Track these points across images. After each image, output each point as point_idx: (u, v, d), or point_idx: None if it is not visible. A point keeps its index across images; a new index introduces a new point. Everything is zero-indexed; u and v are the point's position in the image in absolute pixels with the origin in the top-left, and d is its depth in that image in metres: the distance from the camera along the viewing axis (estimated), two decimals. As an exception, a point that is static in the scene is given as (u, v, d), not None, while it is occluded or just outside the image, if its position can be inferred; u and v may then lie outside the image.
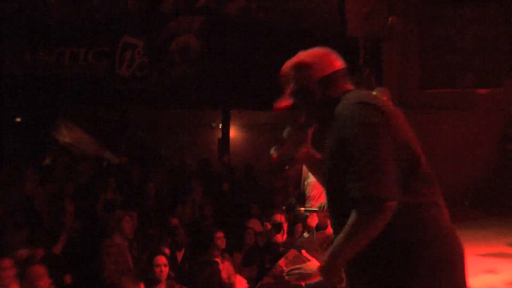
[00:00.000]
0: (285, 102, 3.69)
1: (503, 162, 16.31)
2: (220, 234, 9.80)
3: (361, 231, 3.19)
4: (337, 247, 3.31)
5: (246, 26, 15.22)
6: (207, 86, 14.90)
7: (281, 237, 9.62)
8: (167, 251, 9.55)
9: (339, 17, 15.39)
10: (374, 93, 3.73)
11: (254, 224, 10.85)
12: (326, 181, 3.60)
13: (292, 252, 7.78)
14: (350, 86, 3.66)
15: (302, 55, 3.69)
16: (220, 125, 18.10)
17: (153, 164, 15.19)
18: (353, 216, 3.19)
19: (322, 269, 3.38)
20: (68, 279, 8.69)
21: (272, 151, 3.83)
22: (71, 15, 16.05)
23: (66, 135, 16.97)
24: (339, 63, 3.66)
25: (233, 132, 18.30)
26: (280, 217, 9.60)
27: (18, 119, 17.45)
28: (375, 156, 3.20)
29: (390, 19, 15.13)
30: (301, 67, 3.65)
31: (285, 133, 3.88)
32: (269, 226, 9.63)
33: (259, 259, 9.56)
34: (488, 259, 9.88)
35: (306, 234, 7.13)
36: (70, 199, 11.76)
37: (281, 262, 7.74)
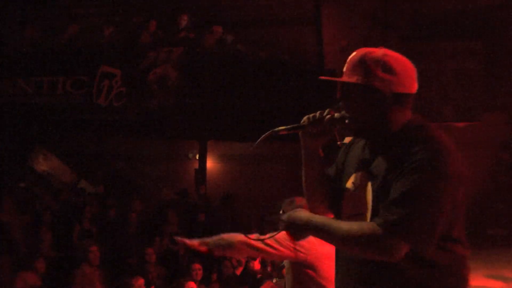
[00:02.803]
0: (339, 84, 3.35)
1: (491, 191, 16.46)
2: (197, 266, 9.87)
3: (359, 240, 3.01)
4: (320, 226, 3.17)
5: (224, 57, 15.33)
6: (185, 117, 14.94)
7: (257, 265, 9.73)
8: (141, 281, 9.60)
9: (317, 50, 15.57)
10: None
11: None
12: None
13: (268, 284, 7.88)
14: (412, 114, 3.32)
15: (390, 55, 3.25)
16: (197, 155, 18.15)
17: (129, 194, 15.21)
18: (366, 224, 3.04)
19: (291, 224, 3.27)
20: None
21: (281, 128, 3.47)
22: (49, 44, 16.13)
23: (43, 164, 16.96)
24: (416, 86, 3.31)
25: (210, 163, 18.37)
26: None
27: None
28: (435, 206, 2.97)
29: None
30: (386, 67, 3.21)
31: (306, 118, 3.49)
32: (246, 254, 9.74)
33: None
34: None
35: (275, 280, 7.20)
36: (47, 228, 11.78)
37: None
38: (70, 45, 15.82)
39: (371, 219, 3.10)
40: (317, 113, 3.46)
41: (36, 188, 15.15)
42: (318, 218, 3.24)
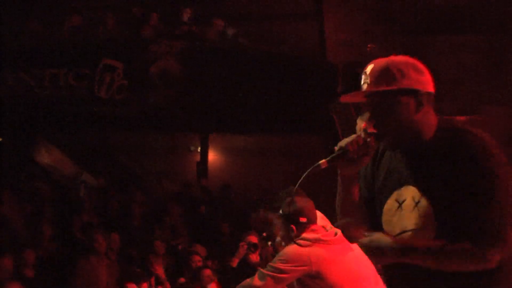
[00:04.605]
0: (358, 97, 3.30)
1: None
2: (197, 258, 9.91)
3: (465, 262, 3.03)
4: (416, 251, 3.10)
5: (226, 51, 15.33)
6: (186, 110, 14.96)
7: (256, 257, 9.74)
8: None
9: (318, 43, 15.56)
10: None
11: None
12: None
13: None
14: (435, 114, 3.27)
15: (412, 58, 3.24)
16: (199, 148, 18.16)
17: (131, 187, 15.22)
18: (467, 246, 2.97)
19: (398, 250, 3.13)
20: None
21: (323, 161, 3.17)
22: (50, 36, 16.12)
23: (45, 156, 16.96)
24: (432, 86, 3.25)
25: (212, 156, 18.37)
26: (254, 238, 9.71)
27: (-1, 140, 17.47)
28: (507, 206, 2.99)
29: (369, 46, 15.28)
30: (416, 68, 3.19)
31: (343, 143, 3.19)
32: (245, 246, 9.72)
33: (234, 280, 9.61)
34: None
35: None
36: (48, 221, 11.78)
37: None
38: (72, 38, 15.81)
39: (457, 240, 3.02)
40: (355, 138, 3.23)
41: (38, 181, 15.13)
42: (401, 244, 3.17)
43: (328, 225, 5.58)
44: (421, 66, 3.19)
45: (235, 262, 9.74)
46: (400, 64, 3.17)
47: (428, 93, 3.18)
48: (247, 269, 9.68)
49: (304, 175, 3.20)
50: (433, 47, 17.36)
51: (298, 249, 5.08)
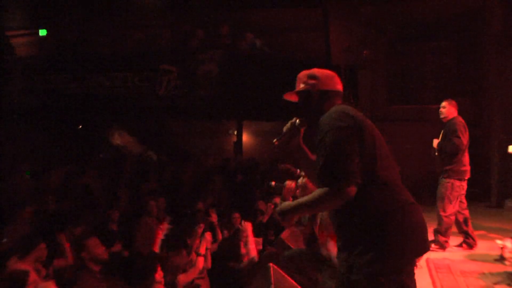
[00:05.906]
0: (292, 96, 3.94)
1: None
2: (237, 215, 10.02)
3: (325, 203, 3.39)
4: (300, 205, 3.55)
5: (254, 57, 15.41)
6: (225, 103, 15.09)
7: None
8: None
9: (325, 50, 15.58)
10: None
11: (261, 205, 10.98)
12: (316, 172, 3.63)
13: (291, 229, 7.99)
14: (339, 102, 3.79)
15: (316, 70, 3.88)
16: (235, 132, 18.30)
17: (184, 162, 15.41)
18: (322, 190, 3.38)
19: (281, 213, 3.63)
20: (118, 246, 8.49)
21: (275, 140, 3.97)
22: (121, 47, 16.32)
23: (118, 139, 17.13)
24: (339, 86, 3.83)
25: (245, 138, 18.50)
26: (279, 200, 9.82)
27: (80, 126, 17.72)
28: (340, 153, 3.33)
29: (364, 52, 15.31)
30: (312, 76, 3.83)
31: (284, 128, 4.01)
32: (272, 206, 9.83)
33: (264, 232, 9.70)
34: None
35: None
36: (124, 188, 11.94)
37: (283, 235, 7.94)
38: (137, 48, 16.02)
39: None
40: (289, 122, 3.99)
41: (112, 158, 15.34)
42: (294, 202, 3.64)
43: None
44: (316, 73, 3.83)
45: (265, 219, 9.87)
46: (302, 74, 3.90)
47: (322, 91, 3.78)
48: (274, 223, 9.82)
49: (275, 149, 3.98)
50: (414, 51, 17.34)
51: None
